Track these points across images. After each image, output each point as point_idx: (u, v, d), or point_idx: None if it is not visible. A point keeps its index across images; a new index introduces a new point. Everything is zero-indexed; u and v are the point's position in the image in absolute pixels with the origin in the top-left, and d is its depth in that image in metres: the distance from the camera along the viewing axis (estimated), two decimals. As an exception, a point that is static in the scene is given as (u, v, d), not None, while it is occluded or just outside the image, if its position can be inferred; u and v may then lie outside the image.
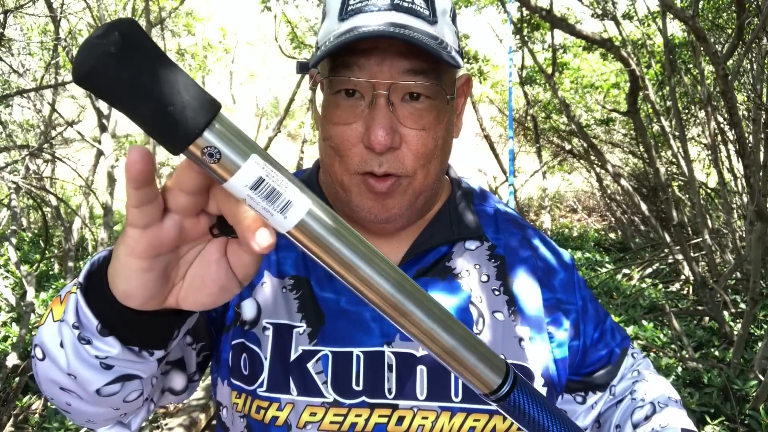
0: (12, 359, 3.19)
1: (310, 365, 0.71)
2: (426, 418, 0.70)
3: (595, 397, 0.84)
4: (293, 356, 0.72)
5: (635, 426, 0.77)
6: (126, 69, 0.34)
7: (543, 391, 0.75)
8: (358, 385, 0.70)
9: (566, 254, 0.87)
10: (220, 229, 0.45)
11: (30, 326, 3.64)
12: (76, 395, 0.57)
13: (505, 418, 0.71)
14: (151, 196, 0.41)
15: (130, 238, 0.42)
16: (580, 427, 0.85)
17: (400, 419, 0.70)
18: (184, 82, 0.36)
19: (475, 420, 0.70)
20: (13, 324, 3.83)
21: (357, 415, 0.69)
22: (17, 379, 3.23)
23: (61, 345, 0.54)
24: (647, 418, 0.76)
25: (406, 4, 0.68)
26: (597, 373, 0.83)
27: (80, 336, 0.51)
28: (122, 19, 0.35)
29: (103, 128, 4.45)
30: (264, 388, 0.71)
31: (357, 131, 0.69)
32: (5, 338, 3.70)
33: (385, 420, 0.70)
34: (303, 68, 0.76)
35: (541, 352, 0.76)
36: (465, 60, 8.39)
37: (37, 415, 3.12)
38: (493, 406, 0.71)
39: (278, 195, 0.38)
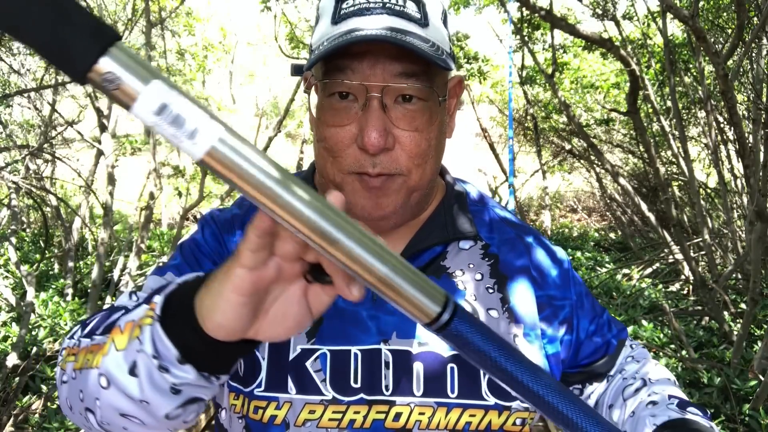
0: (12, 359, 3.19)
1: (308, 363, 0.72)
2: (423, 413, 0.71)
3: (592, 387, 0.85)
4: (292, 355, 0.73)
5: (625, 399, 0.78)
6: None
7: None
8: (356, 382, 0.72)
9: (560, 251, 0.88)
10: (313, 275, 0.48)
11: (30, 326, 3.64)
12: (139, 421, 0.59)
13: (500, 413, 0.72)
14: (267, 243, 0.45)
15: (238, 278, 0.46)
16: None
17: (398, 415, 0.71)
18: (78, 8, 0.37)
19: (470, 415, 0.72)
20: (13, 324, 3.83)
21: (355, 412, 0.71)
22: (17, 379, 3.23)
23: (131, 373, 0.56)
24: (637, 390, 0.77)
25: (398, 8, 0.70)
26: (595, 364, 0.84)
27: (159, 365, 0.54)
28: None
29: (103, 128, 4.45)
30: (262, 387, 0.72)
31: (351, 133, 0.70)
32: (5, 338, 3.70)
33: (382, 416, 0.71)
34: (297, 71, 0.76)
35: (535, 348, 0.77)
36: (465, 60, 8.39)
37: (37, 415, 3.12)
38: (490, 402, 0.72)
39: (184, 121, 0.38)
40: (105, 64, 0.37)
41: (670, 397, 0.73)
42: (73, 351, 0.66)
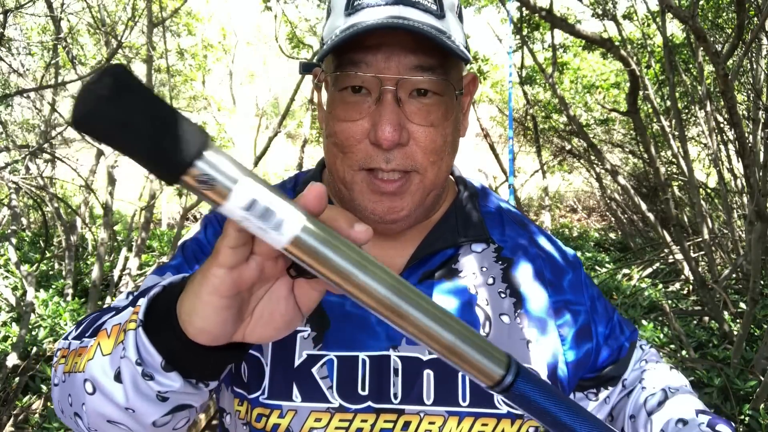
0: (12, 359, 3.18)
1: (314, 370, 0.70)
2: (433, 423, 0.69)
3: (607, 392, 0.83)
4: (297, 361, 0.70)
5: (649, 413, 0.76)
6: (119, 111, 0.37)
7: None
8: (363, 389, 0.69)
9: (572, 253, 0.86)
10: (297, 270, 0.48)
11: (30, 326, 3.64)
12: (126, 428, 0.57)
13: (513, 422, 0.70)
14: (247, 239, 0.43)
15: (216, 278, 0.44)
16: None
17: (406, 424, 0.68)
18: (174, 117, 0.39)
19: (483, 424, 0.69)
20: (13, 324, 3.83)
21: (363, 420, 0.68)
22: (17, 379, 3.23)
23: (116, 379, 0.54)
24: (660, 404, 0.76)
25: None
26: (608, 368, 0.82)
27: (143, 372, 0.51)
28: (114, 64, 0.39)
29: (103, 128, 4.45)
30: (266, 395, 0.70)
31: (362, 128, 0.68)
32: (5, 338, 3.70)
33: (390, 425, 0.68)
34: (306, 68, 0.75)
35: (549, 354, 0.75)
36: (465, 60, 8.38)
37: (37, 415, 3.12)
38: (502, 410, 0.70)
39: (272, 214, 0.40)
40: (199, 168, 0.39)
41: (697, 413, 0.71)
42: (64, 353, 0.65)
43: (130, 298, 0.71)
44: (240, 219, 0.40)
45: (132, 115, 0.37)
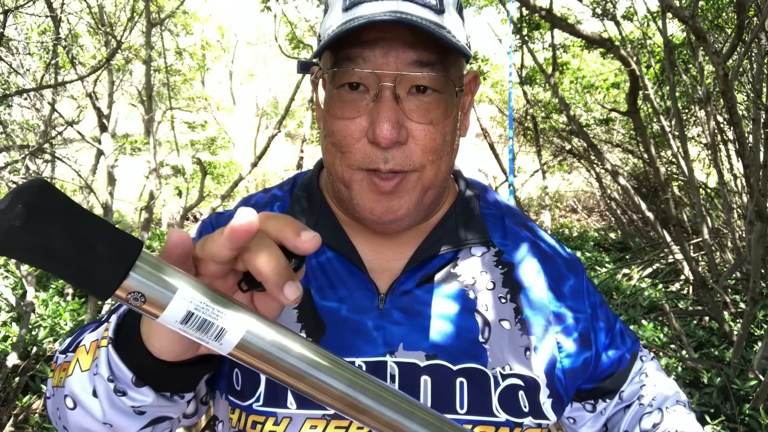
0: (12, 359, 3.18)
1: None
2: None
3: (604, 403, 0.82)
4: None
5: None
6: (35, 237, 0.35)
7: (548, 401, 0.72)
8: None
9: (576, 259, 0.84)
10: (248, 283, 0.47)
11: (30, 326, 3.64)
12: None
13: (512, 430, 0.69)
14: (186, 268, 0.43)
15: None
16: None
17: None
18: (99, 232, 0.37)
19: None
20: (13, 324, 3.83)
21: (359, 428, 0.67)
22: (17, 379, 3.23)
23: (94, 395, 0.54)
24: (655, 425, 0.75)
25: None
26: (607, 380, 0.81)
27: (116, 388, 0.52)
28: (29, 183, 0.36)
29: (103, 128, 4.45)
30: (260, 402, 0.69)
31: (360, 126, 0.66)
32: (5, 338, 3.70)
33: None
34: (304, 67, 0.74)
35: (548, 361, 0.74)
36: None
37: (37, 415, 3.12)
38: (501, 418, 0.69)
39: (210, 325, 0.39)
40: (129, 285, 0.38)
41: None
42: (53, 367, 0.66)
43: (110, 309, 0.71)
44: (179, 330, 0.39)
45: (50, 240, 0.35)
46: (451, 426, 0.45)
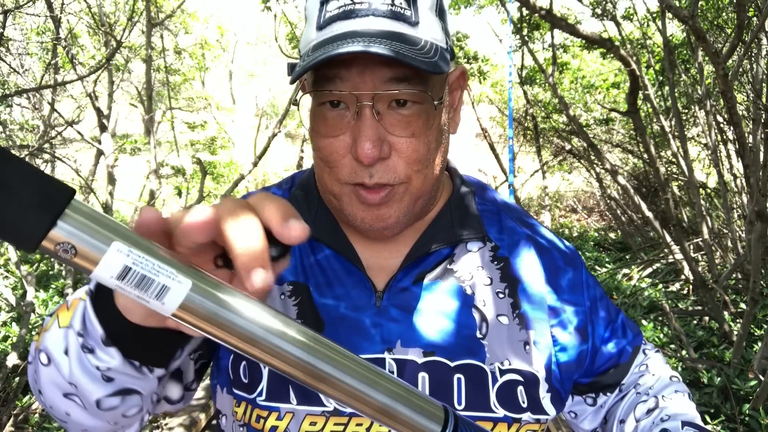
0: (12, 359, 3.18)
1: None
2: None
3: (605, 397, 0.82)
4: None
5: (638, 420, 0.75)
6: None
7: (547, 396, 0.73)
8: None
9: (574, 252, 0.84)
10: (223, 260, 0.44)
11: (30, 326, 3.64)
12: (79, 404, 0.57)
13: (510, 426, 0.69)
14: (159, 241, 0.40)
15: None
16: (590, 428, 0.84)
17: None
18: (23, 177, 0.34)
19: None
20: (13, 324, 3.83)
21: (357, 424, 0.68)
22: (17, 379, 3.23)
23: (65, 352, 0.54)
24: (650, 411, 0.75)
25: (384, 7, 0.64)
26: (607, 373, 0.81)
27: (83, 344, 0.51)
28: None
29: (103, 128, 4.45)
30: (263, 396, 0.69)
31: (345, 143, 0.67)
32: (5, 338, 3.70)
33: (385, 429, 0.68)
34: (294, 80, 0.75)
35: (547, 355, 0.74)
36: (465, 60, 8.39)
37: (37, 415, 3.12)
38: (499, 414, 0.69)
39: (150, 282, 0.36)
40: (57, 235, 0.34)
41: (683, 424, 0.69)
42: (39, 330, 0.66)
43: None
44: (115, 288, 0.36)
45: None
46: (420, 397, 0.43)
